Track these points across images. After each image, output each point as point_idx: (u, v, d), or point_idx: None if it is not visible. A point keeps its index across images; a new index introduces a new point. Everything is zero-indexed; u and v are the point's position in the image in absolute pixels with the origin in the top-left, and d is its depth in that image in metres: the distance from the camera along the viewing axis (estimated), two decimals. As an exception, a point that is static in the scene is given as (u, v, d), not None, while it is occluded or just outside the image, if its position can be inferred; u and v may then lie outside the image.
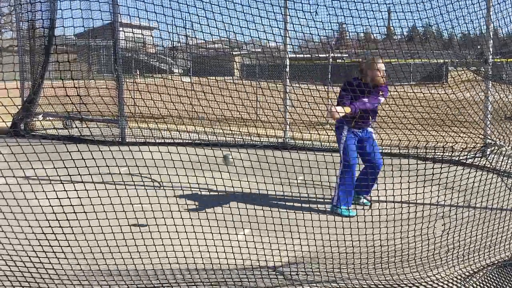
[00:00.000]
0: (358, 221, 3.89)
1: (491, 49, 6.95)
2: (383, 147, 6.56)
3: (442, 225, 3.94)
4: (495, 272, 3.69)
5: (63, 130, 10.92)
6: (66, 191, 3.40)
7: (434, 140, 3.94)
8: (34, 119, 10.84)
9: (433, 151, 5.65)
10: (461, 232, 3.86)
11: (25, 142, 3.43)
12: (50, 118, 10.92)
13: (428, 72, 18.00)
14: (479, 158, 6.86)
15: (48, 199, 3.36)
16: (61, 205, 3.35)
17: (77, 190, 3.35)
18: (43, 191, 3.34)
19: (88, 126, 10.36)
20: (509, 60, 7.92)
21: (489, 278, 3.62)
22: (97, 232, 3.43)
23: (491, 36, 6.94)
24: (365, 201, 5.85)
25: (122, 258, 3.50)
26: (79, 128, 11.30)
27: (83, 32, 11.57)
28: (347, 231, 3.85)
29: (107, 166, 3.42)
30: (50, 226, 3.37)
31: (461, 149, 3.96)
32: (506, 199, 4.27)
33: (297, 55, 14.62)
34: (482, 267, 3.78)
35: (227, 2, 3.76)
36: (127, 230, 3.54)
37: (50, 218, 3.35)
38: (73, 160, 3.28)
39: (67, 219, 3.31)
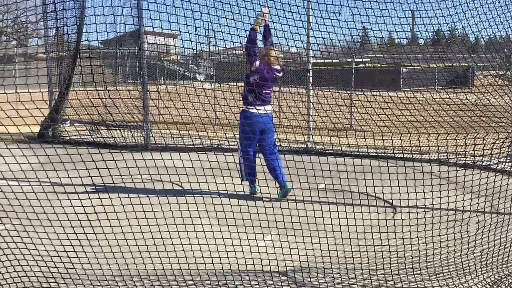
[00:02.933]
0: (388, 225, 3.86)
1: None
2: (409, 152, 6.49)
3: (472, 231, 3.89)
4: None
5: (89, 136, 11.07)
6: (93, 198, 3.46)
7: (462, 141, 3.91)
8: (61, 125, 11.02)
9: (463, 154, 5.60)
10: (489, 238, 3.81)
11: (53, 148, 3.50)
12: (77, 124, 11.10)
13: (454, 77, 17.75)
14: (508, 163, 6.74)
15: (73, 206, 3.43)
16: (88, 212, 3.41)
17: (106, 198, 3.40)
18: (72, 198, 3.40)
19: (113, 131, 10.47)
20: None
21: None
22: (121, 238, 3.48)
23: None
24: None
25: (153, 262, 3.54)
26: (105, 134, 11.42)
27: (109, 39, 11.75)
28: (369, 236, 3.83)
29: (139, 171, 3.46)
30: (73, 233, 3.43)
31: (492, 143, 3.91)
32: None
33: (320, 60, 14.58)
34: (510, 273, 3.74)
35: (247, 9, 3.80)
36: (155, 236, 3.57)
37: (76, 223, 3.41)
38: (101, 166, 3.34)
39: (91, 226, 3.36)
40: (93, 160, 3.29)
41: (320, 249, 3.85)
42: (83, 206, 3.32)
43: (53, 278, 3.53)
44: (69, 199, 3.38)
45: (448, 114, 3.92)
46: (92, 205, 3.38)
